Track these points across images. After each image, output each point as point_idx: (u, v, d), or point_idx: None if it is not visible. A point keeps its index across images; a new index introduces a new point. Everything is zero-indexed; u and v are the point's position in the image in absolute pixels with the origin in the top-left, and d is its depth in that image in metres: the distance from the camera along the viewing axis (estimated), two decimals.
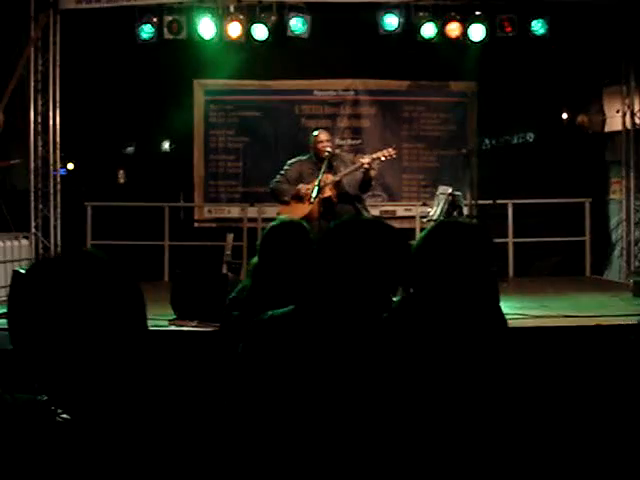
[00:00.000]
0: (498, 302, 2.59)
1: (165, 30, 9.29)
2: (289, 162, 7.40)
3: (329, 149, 7.08)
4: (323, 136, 7.23)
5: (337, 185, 7.07)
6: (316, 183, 6.88)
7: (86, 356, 1.34)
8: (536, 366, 2.65)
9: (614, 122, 10.03)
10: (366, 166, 6.93)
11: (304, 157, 7.37)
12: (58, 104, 9.53)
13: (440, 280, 2.47)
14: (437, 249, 2.50)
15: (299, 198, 7.06)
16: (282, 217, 4.63)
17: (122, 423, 1.35)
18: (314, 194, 6.83)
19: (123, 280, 1.41)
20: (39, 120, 9.45)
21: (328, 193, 7.04)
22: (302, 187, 7.04)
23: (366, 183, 7.10)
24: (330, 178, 7.06)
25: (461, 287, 2.47)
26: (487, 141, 10.44)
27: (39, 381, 1.38)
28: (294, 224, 3.77)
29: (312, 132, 7.48)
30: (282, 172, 7.32)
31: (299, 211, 6.98)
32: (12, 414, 1.40)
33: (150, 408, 1.39)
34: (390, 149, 7.13)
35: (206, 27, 9.22)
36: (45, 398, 1.86)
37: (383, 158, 7.11)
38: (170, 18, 9.26)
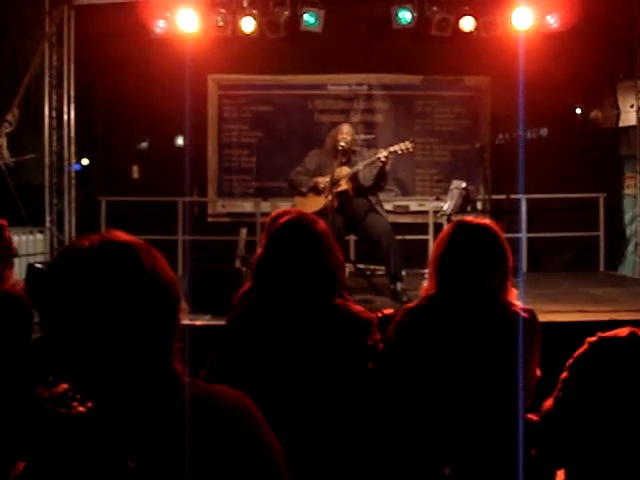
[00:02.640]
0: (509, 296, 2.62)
1: (179, 25, 9.31)
2: (309, 153, 7.42)
3: (343, 143, 7.08)
4: (344, 129, 7.24)
5: (353, 178, 7.08)
6: (329, 177, 6.89)
7: (114, 345, 1.34)
8: (550, 361, 2.65)
9: (628, 117, 9.98)
10: (383, 160, 6.93)
11: (326, 148, 7.39)
12: (72, 99, 9.57)
13: (462, 278, 2.51)
14: (459, 250, 2.55)
15: (316, 191, 7.06)
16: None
17: (144, 413, 1.36)
18: (327, 188, 6.85)
19: (156, 270, 1.39)
20: (54, 115, 9.50)
21: (345, 186, 7.04)
22: (320, 180, 7.05)
23: (381, 177, 7.10)
24: (346, 171, 7.06)
25: (482, 284, 2.51)
26: (501, 136, 10.40)
27: (66, 369, 1.38)
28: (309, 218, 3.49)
29: (326, 126, 7.48)
30: (301, 163, 7.34)
31: (315, 203, 6.99)
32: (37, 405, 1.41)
33: (168, 402, 1.39)
34: (407, 142, 7.12)
35: (219, 22, 9.23)
36: (60, 391, 1.87)
37: (400, 152, 7.10)
38: (184, 12, 9.28)
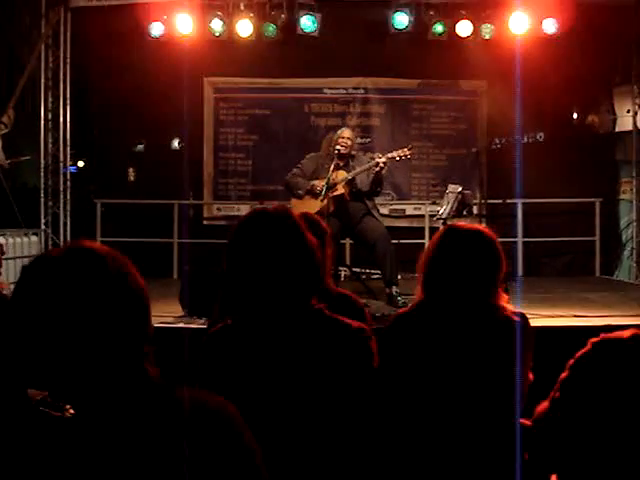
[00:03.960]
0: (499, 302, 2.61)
1: (175, 27, 9.30)
2: (307, 156, 7.41)
3: (342, 147, 7.06)
4: (345, 133, 7.22)
5: (350, 183, 7.07)
6: (325, 181, 6.87)
7: (83, 352, 1.34)
8: (545, 366, 2.64)
9: (625, 122, 9.99)
10: (381, 165, 6.93)
11: (323, 152, 7.38)
12: (68, 101, 9.56)
13: (451, 284, 2.50)
14: (448, 256, 2.54)
15: (313, 194, 7.05)
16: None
17: (125, 419, 1.36)
18: (323, 191, 6.83)
19: (124, 276, 1.41)
20: (49, 117, 9.49)
21: (341, 191, 7.03)
22: (317, 183, 7.04)
23: (377, 182, 7.09)
24: (343, 175, 7.05)
25: (471, 290, 2.50)
26: (497, 140, 10.40)
27: (38, 376, 1.39)
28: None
29: (322, 130, 7.45)
30: (299, 166, 7.32)
31: (310, 206, 6.97)
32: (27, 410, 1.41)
33: (154, 405, 1.39)
34: (405, 149, 7.11)
35: (216, 25, 9.23)
36: None
37: (398, 158, 7.10)
38: (180, 15, 9.27)
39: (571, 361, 1.84)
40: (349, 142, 7.16)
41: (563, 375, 1.85)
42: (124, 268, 1.42)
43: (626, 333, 1.79)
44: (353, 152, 7.35)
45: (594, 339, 1.82)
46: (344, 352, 2.09)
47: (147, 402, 1.39)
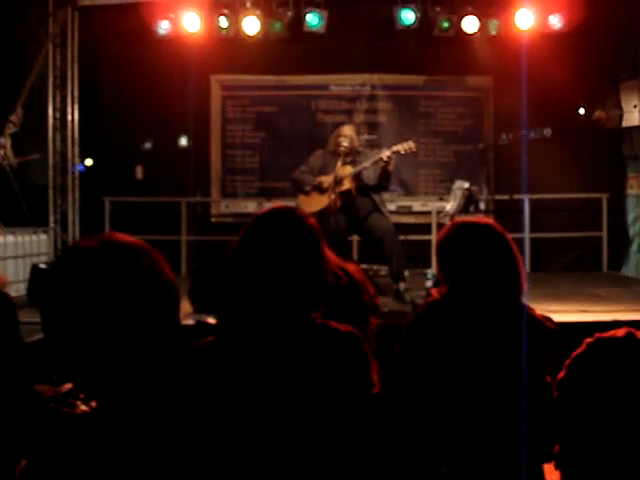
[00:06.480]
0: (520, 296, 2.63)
1: (182, 25, 9.32)
2: (314, 153, 7.45)
3: (345, 144, 7.09)
4: (345, 130, 7.25)
5: (357, 178, 7.09)
6: (332, 176, 6.91)
7: (116, 345, 1.35)
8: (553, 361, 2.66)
9: (631, 117, 9.96)
10: (385, 160, 6.95)
11: (329, 149, 7.41)
12: (76, 100, 9.59)
13: (467, 279, 2.51)
14: (461, 251, 2.55)
15: (320, 190, 7.08)
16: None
17: (147, 415, 1.37)
18: (330, 187, 6.88)
19: (156, 270, 1.41)
20: (57, 116, 9.51)
21: (348, 186, 7.06)
22: (324, 179, 7.07)
23: (385, 177, 7.12)
24: (349, 170, 7.08)
25: (488, 283, 2.51)
26: (504, 136, 10.40)
27: (69, 369, 1.39)
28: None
29: (329, 127, 7.48)
30: (306, 162, 7.36)
31: (318, 202, 7.01)
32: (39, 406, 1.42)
33: (171, 401, 1.40)
34: (410, 142, 7.14)
35: (223, 22, 9.25)
36: (64, 391, 1.88)
37: (403, 152, 7.12)
38: (187, 14, 9.30)
39: (568, 361, 1.87)
40: (350, 139, 7.19)
41: (560, 374, 1.87)
42: (156, 262, 1.42)
43: (620, 332, 1.81)
44: (359, 148, 7.38)
45: (589, 339, 1.84)
46: (333, 359, 2.00)
47: (175, 396, 1.40)
